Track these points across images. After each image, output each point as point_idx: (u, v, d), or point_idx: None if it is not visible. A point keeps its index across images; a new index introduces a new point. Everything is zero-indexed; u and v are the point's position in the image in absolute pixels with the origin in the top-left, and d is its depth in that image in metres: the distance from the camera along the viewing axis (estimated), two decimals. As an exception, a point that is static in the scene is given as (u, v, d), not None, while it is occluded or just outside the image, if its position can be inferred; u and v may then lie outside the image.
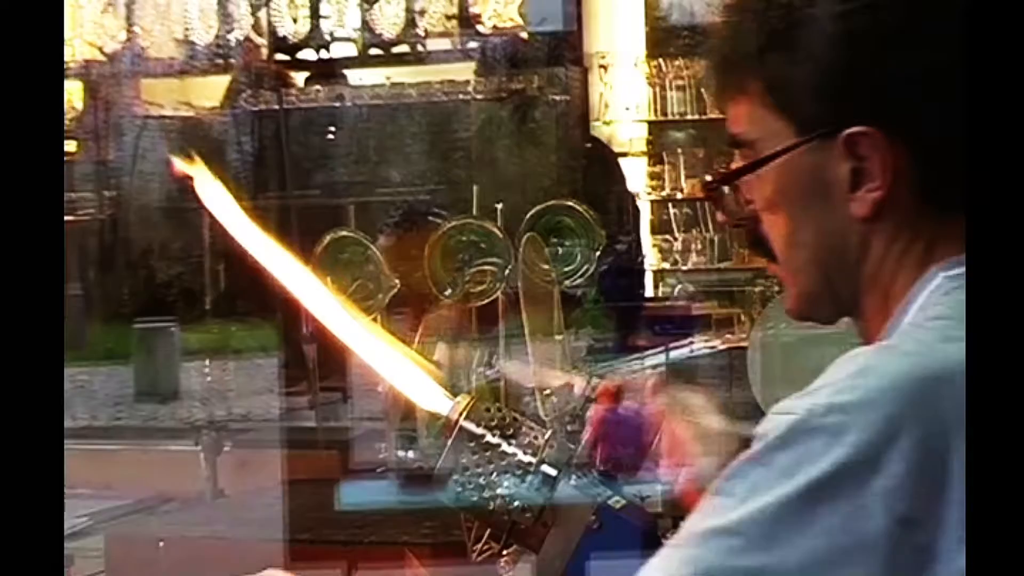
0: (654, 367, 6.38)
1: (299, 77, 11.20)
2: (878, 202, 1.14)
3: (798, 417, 1.05)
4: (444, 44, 10.97)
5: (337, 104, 11.27)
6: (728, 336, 7.84)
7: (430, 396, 1.30)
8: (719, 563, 1.02)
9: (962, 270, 1.11)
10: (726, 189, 1.23)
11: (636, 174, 9.81)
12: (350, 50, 11.17)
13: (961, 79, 1.09)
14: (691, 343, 7.67)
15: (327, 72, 11.17)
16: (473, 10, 10.61)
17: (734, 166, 1.23)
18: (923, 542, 1.00)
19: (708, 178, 1.29)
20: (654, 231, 9.88)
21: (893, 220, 1.15)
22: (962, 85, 1.09)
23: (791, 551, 1.00)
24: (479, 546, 1.32)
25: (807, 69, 1.14)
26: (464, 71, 10.74)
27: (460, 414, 1.30)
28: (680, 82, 10.44)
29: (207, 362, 13.24)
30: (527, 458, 1.29)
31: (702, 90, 10.47)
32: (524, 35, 10.31)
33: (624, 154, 10.12)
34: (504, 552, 1.34)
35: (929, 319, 1.11)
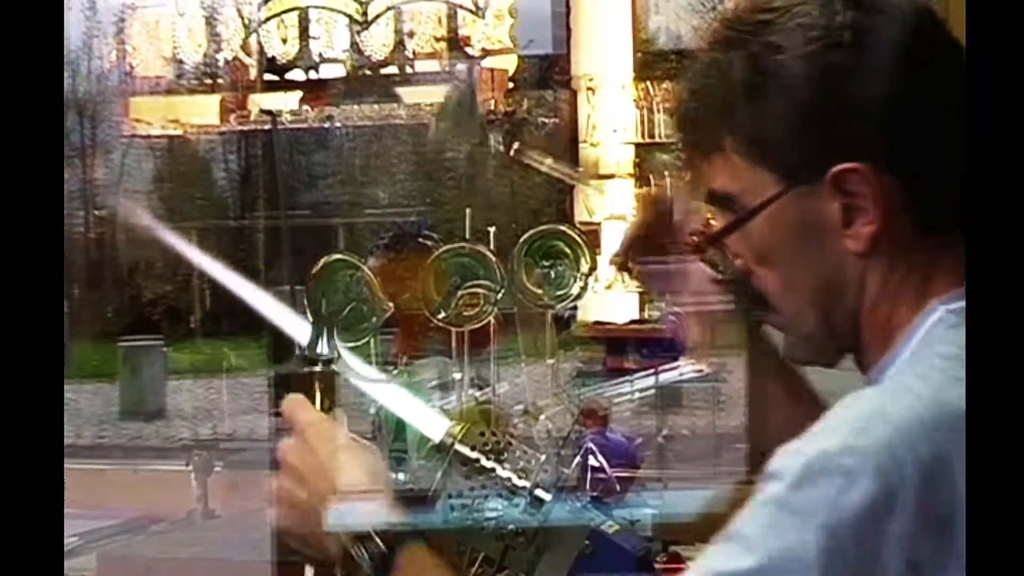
0: (642, 390, 6.38)
1: (288, 97, 11.21)
2: (873, 235, 1.11)
3: (812, 458, 1.02)
4: (433, 66, 11.00)
5: (326, 125, 11.29)
6: (715, 359, 7.84)
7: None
8: None
9: (963, 303, 1.09)
10: (713, 249, 1.21)
11: (623, 196, 9.83)
12: (339, 71, 11.20)
13: (942, 100, 1.09)
14: (678, 367, 7.67)
15: (316, 93, 11.19)
16: (462, 32, 10.64)
17: (716, 223, 1.18)
18: None
19: (694, 239, 1.24)
20: (641, 253, 9.88)
21: (889, 252, 1.12)
22: (944, 108, 1.08)
23: None
24: (472, 570, 1.31)
25: (780, 116, 1.12)
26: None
27: (455, 438, 1.31)
28: (667, 105, 10.48)
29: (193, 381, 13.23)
30: (521, 482, 1.30)
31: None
32: (513, 58, 10.33)
33: (611, 176, 10.15)
34: None
35: (937, 356, 1.09)
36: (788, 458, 1.05)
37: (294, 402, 1.28)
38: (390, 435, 1.40)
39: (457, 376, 1.51)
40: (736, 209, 1.17)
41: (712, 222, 1.21)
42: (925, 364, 1.10)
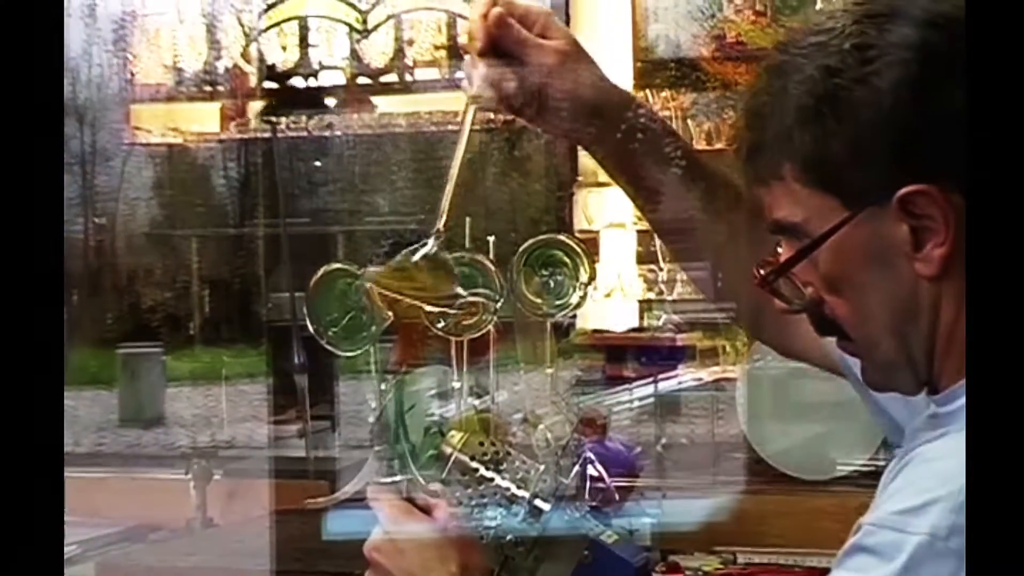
0: (642, 399, 6.38)
1: (288, 105, 11.22)
2: (944, 257, 1.10)
3: (923, 540, 1.01)
4: (432, 74, 11.01)
5: (326, 133, 11.29)
6: (714, 368, 7.84)
7: None
8: None
9: None
10: (781, 280, 1.18)
11: (623, 204, 9.83)
12: (339, 79, 11.20)
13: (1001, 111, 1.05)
14: (677, 375, 7.67)
15: (316, 100, 11.19)
16: (462, 40, 10.65)
17: (783, 253, 1.17)
18: None
19: (761, 272, 1.19)
20: (640, 261, 9.91)
21: (961, 273, 1.10)
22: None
23: None
24: (471, 579, 1.31)
25: (841, 140, 1.10)
26: (453, 101, 10.76)
27: (454, 447, 1.31)
28: (667, 113, 10.49)
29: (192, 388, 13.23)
30: (519, 491, 1.30)
31: (689, 121, 10.53)
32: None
33: (610, 183, 10.15)
34: (495, 585, 1.35)
35: None
36: (889, 534, 1.02)
37: (380, 493, 1.28)
38: (389, 444, 1.40)
39: (456, 385, 1.51)
40: (802, 237, 1.15)
41: (779, 250, 1.19)
42: None
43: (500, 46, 1.39)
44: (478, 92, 1.39)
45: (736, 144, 1.17)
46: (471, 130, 1.44)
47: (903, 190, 1.09)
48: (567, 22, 11.10)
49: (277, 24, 10.75)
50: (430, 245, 1.42)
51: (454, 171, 1.41)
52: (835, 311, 1.15)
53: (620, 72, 10.61)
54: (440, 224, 1.43)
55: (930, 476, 1.05)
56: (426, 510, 1.30)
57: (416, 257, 1.41)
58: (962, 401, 1.10)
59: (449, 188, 1.41)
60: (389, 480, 1.33)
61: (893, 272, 1.12)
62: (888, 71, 1.09)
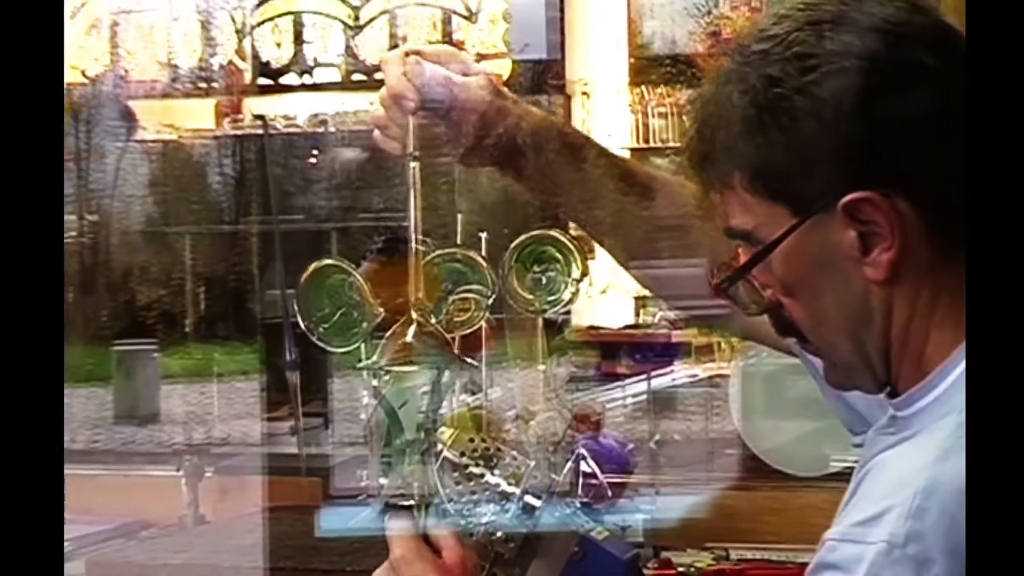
0: (636, 395, 6.38)
1: (282, 102, 11.20)
2: (892, 262, 1.11)
3: (881, 549, 1.01)
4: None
5: (320, 129, 11.28)
6: (708, 364, 7.85)
7: None
8: None
9: None
10: (741, 284, 1.19)
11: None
12: (333, 75, 11.19)
13: (952, 116, 1.07)
14: (672, 371, 7.67)
15: (310, 97, 11.18)
16: (456, 37, 10.63)
17: (738, 259, 1.18)
18: None
19: (716, 280, 1.21)
20: (636, 258, 9.89)
21: (911, 277, 1.12)
22: (955, 123, 1.06)
23: None
24: (461, 576, 1.31)
25: (784, 150, 1.11)
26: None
27: (444, 444, 1.31)
28: (662, 109, 10.50)
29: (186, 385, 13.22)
30: (510, 488, 1.30)
31: (684, 117, 10.53)
32: (507, 63, 10.31)
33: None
34: (486, 582, 1.35)
35: None
36: (850, 547, 1.03)
37: (396, 520, 1.29)
38: (380, 440, 1.39)
39: (448, 382, 1.51)
40: (755, 244, 1.15)
41: (740, 252, 1.19)
42: (965, 416, 1.07)
43: (426, 95, 1.40)
44: (414, 148, 1.41)
45: (687, 152, 1.18)
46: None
47: (846, 198, 1.10)
48: (562, 19, 11.09)
49: (271, 19, 10.73)
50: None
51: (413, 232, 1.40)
52: (792, 314, 1.17)
53: (615, 68, 10.61)
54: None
55: (886, 484, 1.06)
56: (437, 549, 1.29)
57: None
58: (920, 405, 1.12)
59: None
60: (406, 503, 1.32)
61: (844, 277, 1.13)
62: (828, 80, 1.10)
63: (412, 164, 1.43)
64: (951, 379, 1.11)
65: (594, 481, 1.45)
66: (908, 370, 1.15)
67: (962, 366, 1.10)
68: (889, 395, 1.18)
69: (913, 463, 1.06)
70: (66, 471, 1.24)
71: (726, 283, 1.20)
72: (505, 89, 1.46)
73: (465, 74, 1.43)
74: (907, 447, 1.09)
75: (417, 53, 1.41)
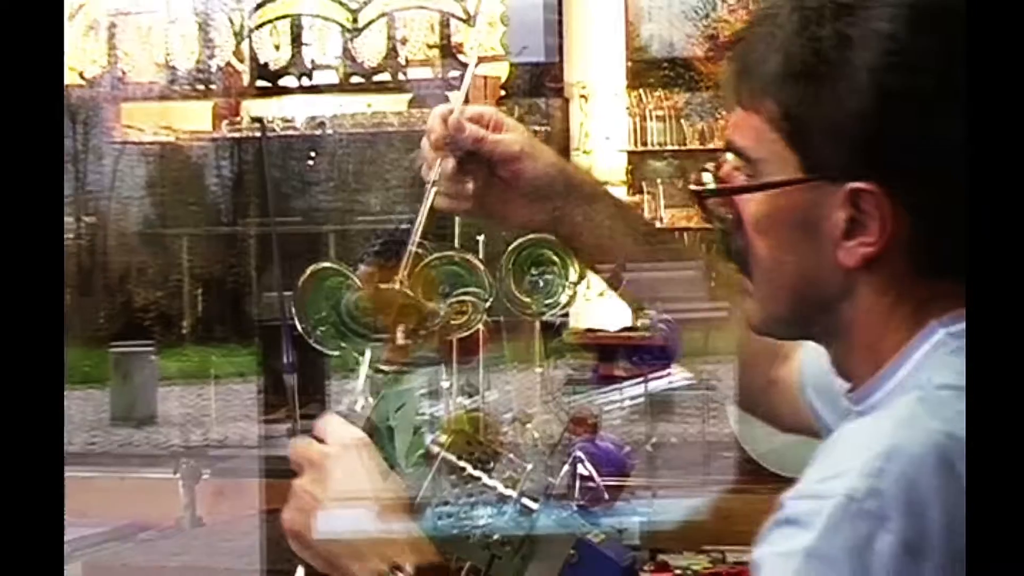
0: (633, 398, 6.38)
1: (280, 104, 11.20)
2: (867, 257, 1.12)
3: (838, 504, 1.01)
4: (426, 73, 11.00)
5: (318, 132, 11.28)
6: (706, 367, 7.82)
7: None
8: None
9: (962, 326, 1.08)
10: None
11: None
12: (331, 78, 11.19)
13: (963, 143, 1.06)
14: (669, 374, 7.66)
15: (308, 99, 11.18)
16: (455, 40, 10.64)
17: (722, 168, 1.19)
18: None
19: (700, 187, 1.22)
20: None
21: (882, 276, 1.13)
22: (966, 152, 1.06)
23: None
24: (458, 579, 1.31)
25: (828, 110, 1.11)
26: (444, 100, 10.75)
27: (441, 446, 1.31)
28: (660, 112, 10.50)
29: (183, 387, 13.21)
30: (507, 491, 1.30)
31: (682, 121, 10.53)
32: (505, 65, 10.32)
33: (604, 183, 10.13)
34: (483, 584, 1.35)
35: (941, 385, 1.08)
36: (806, 502, 1.03)
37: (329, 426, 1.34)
38: (379, 443, 1.39)
39: (446, 384, 1.51)
40: (750, 170, 1.16)
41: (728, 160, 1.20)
42: (928, 391, 1.09)
43: (459, 147, 1.48)
44: (439, 182, 1.47)
45: (734, 53, 1.18)
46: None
47: (856, 183, 1.10)
48: (560, 22, 11.10)
49: (269, 22, 10.73)
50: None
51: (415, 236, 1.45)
52: (752, 249, 1.17)
53: (613, 71, 10.61)
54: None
55: (844, 449, 1.08)
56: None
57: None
58: (876, 398, 1.13)
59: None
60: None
61: (816, 246, 1.13)
62: (893, 73, 1.09)
63: (433, 189, 1.50)
64: (908, 367, 1.12)
65: (591, 484, 1.45)
66: (860, 363, 1.16)
67: (920, 353, 1.11)
68: (845, 379, 1.19)
69: (873, 431, 1.08)
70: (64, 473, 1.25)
71: (707, 193, 1.21)
72: (546, 148, 1.53)
73: (500, 132, 1.50)
74: (867, 419, 1.11)
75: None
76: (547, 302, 1.53)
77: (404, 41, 10.67)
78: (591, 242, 1.52)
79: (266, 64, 10.94)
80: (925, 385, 1.08)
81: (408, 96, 11.00)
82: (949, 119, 1.08)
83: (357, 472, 1.31)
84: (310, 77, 11.17)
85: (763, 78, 1.14)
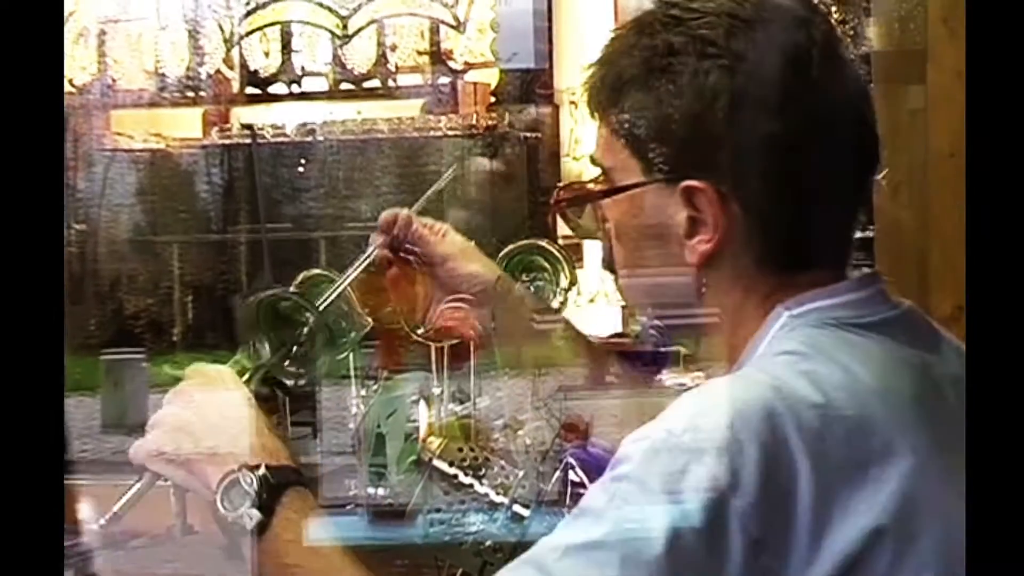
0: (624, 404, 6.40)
1: (270, 111, 11.21)
2: (707, 254, 1.17)
3: (657, 438, 1.07)
4: (415, 80, 11.01)
5: (308, 138, 11.28)
6: (696, 373, 7.85)
7: None
8: None
9: (806, 307, 1.16)
10: (581, 208, 1.31)
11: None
12: (321, 84, 11.20)
13: (804, 150, 1.13)
14: (660, 379, 7.67)
15: (298, 106, 11.19)
16: (445, 46, 10.65)
17: (584, 185, 1.29)
18: (769, 566, 1.03)
19: (559, 196, 1.35)
20: (624, 267, 9.91)
21: (726, 271, 1.18)
22: (806, 156, 1.13)
23: (655, 569, 1.01)
24: (450, 585, 1.31)
25: (657, 115, 1.17)
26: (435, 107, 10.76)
27: (433, 453, 1.31)
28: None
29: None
30: (499, 498, 1.30)
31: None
32: (495, 72, 10.34)
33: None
34: (475, 591, 1.35)
35: (778, 353, 1.14)
36: (634, 443, 1.09)
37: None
38: (369, 450, 1.40)
39: (437, 391, 1.51)
40: (605, 180, 1.24)
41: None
42: (768, 360, 1.15)
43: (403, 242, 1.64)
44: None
45: (585, 71, 1.25)
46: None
47: (686, 182, 1.16)
48: (549, 28, 11.12)
49: (259, 29, 10.74)
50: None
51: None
52: (615, 252, 1.25)
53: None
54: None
55: (679, 402, 1.13)
56: None
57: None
58: (736, 374, 1.16)
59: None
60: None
61: (665, 248, 1.20)
62: (716, 74, 1.15)
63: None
64: (760, 351, 1.17)
65: (582, 490, 1.45)
66: (722, 341, 1.23)
67: (768, 336, 1.16)
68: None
69: (705, 387, 1.12)
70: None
71: (566, 203, 1.32)
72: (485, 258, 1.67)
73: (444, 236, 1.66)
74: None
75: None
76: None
77: (394, 48, 10.68)
78: (514, 332, 1.65)
79: (256, 71, 10.96)
80: (767, 357, 1.14)
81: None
82: (770, 117, 1.13)
83: (219, 395, 1.38)
84: (300, 84, 11.18)
85: (606, 91, 1.22)
